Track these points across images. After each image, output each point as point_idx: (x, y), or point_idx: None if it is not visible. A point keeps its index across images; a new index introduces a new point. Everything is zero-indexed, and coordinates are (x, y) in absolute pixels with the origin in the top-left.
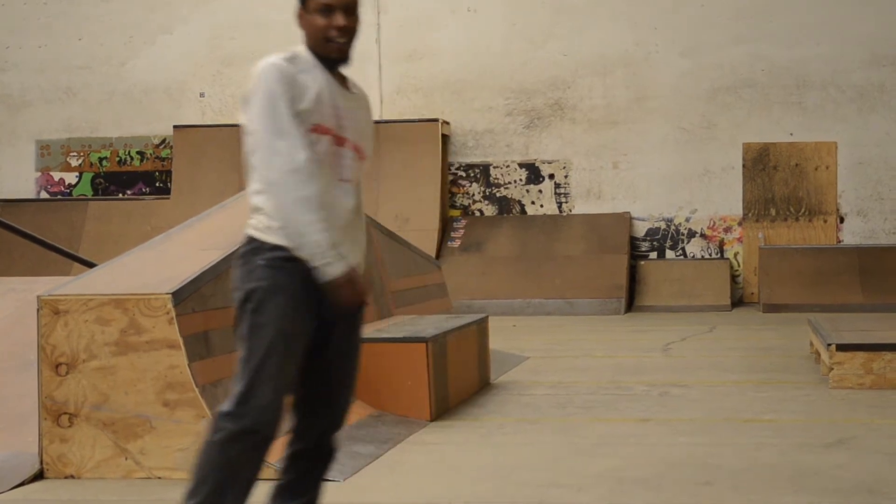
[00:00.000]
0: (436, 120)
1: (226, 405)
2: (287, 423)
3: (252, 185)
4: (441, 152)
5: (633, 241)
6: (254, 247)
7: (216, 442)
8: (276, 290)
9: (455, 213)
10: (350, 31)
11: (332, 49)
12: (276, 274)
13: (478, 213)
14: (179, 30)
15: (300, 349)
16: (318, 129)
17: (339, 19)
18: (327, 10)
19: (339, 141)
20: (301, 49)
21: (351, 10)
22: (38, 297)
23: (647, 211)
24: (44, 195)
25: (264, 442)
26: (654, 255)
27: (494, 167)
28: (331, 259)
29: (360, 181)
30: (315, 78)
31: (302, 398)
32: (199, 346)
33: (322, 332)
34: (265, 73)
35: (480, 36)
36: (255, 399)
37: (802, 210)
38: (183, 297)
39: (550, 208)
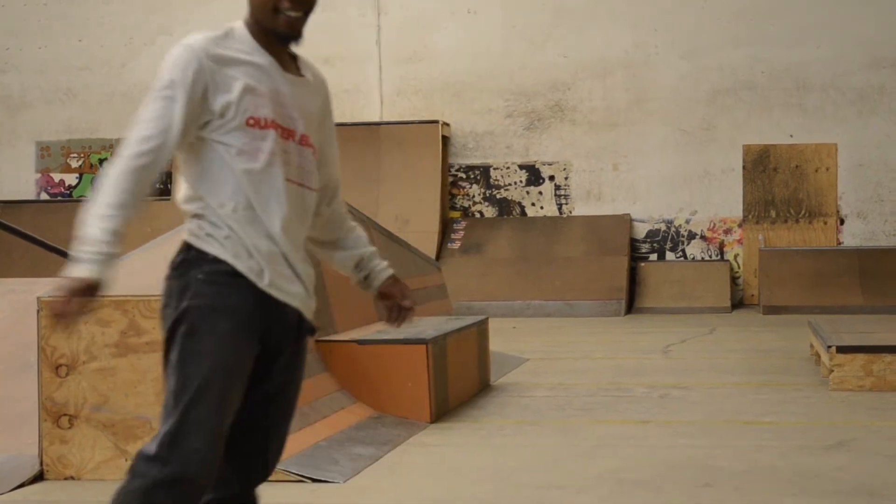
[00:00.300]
0: (436, 121)
1: (150, 446)
2: None
3: (181, 189)
4: (441, 154)
5: (634, 243)
6: (190, 257)
7: (135, 490)
8: (216, 310)
9: (455, 214)
10: (305, 4)
11: (280, 23)
12: (217, 291)
13: (478, 215)
14: (179, 31)
15: (242, 383)
16: (256, 123)
17: None
18: None
19: (287, 134)
20: (237, 25)
21: None
22: (38, 298)
23: (647, 213)
24: (44, 196)
25: (193, 493)
26: (654, 256)
27: (494, 169)
28: (92, 256)
29: (329, 186)
30: (249, 62)
31: (230, 438)
32: None
33: (263, 363)
34: (176, 57)
35: (480, 37)
36: (186, 441)
37: (802, 212)
38: None
39: (550, 210)
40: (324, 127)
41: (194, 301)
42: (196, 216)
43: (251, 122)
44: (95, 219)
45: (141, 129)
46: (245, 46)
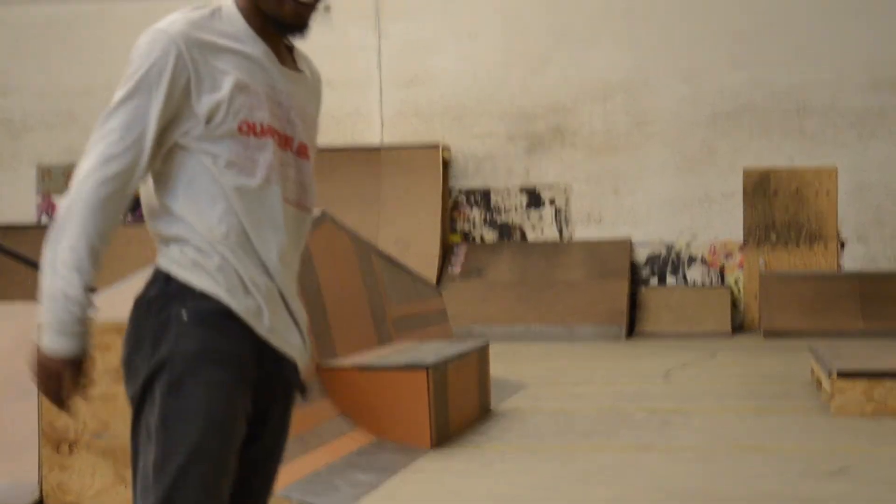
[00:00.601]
0: (436, 145)
1: None
2: None
3: (149, 204)
4: (442, 177)
5: (634, 267)
6: (171, 290)
7: None
8: (206, 358)
9: (456, 238)
10: None
11: (286, 9)
12: (206, 334)
13: (478, 239)
14: None
15: (237, 446)
16: (251, 129)
17: None
18: None
19: (285, 142)
20: (226, 4)
21: None
22: (39, 324)
23: (647, 236)
24: (45, 220)
25: None
26: (654, 280)
27: (495, 192)
28: (74, 326)
29: (312, 204)
30: (240, 52)
31: None
32: None
33: (251, 424)
34: (149, 45)
35: (481, 61)
36: None
37: (803, 235)
38: None
39: (551, 234)
40: (315, 131)
41: (178, 346)
42: (176, 240)
43: (245, 127)
44: (68, 270)
45: (106, 145)
46: (235, 31)
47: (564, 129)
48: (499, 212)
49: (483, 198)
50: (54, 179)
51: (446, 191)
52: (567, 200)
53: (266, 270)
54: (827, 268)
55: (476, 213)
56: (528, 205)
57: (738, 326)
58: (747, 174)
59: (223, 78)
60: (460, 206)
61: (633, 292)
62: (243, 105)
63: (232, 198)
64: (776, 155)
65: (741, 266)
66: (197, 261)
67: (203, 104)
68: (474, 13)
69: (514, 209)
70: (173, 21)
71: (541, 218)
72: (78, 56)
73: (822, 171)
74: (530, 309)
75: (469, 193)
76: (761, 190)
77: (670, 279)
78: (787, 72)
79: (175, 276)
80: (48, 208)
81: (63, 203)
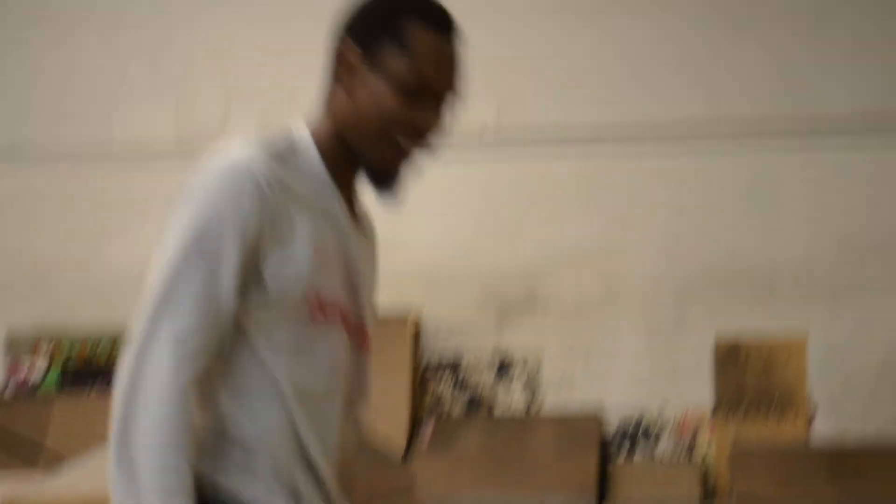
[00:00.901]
0: (405, 315)
1: None
2: None
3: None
4: (411, 346)
5: (604, 438)
6: (208, 499)
7: None
8: None
9: (424, 407)
10: (432, 136)
11: (389, 159)
12: None
13: (448, 407)
14: (155, 216)
15: None
16: (320, 307)
17: (431, 114)
18: (417, 94)
19: (350, 327)
20: (302, 136)
21: (446, 100)
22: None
23: (618, 406)
24: (11, 387)
25: None
26: (624, 451)
27: (465, 361)
28: None
29: (366, 409)
30: (315, 204)
31: None
32: None
33: None
34: (223, 182)
35: (451, 228)
36: None
37: (774, 406)
38: None
39: (520, 403)
40: (374, 299)
41: None
42: (209, 432)
43: (313, 303)
44: (151, 466)
45: (184, 336)
46: (313, 174)
47: (535, 296)
48: (469, 378)
49: (452, 367)
50: (22, 346)
51: (416, 360)
52: (538, 367)
53: (317, 477)
54: (798, 437)
55: (446, 380)
56: (499, 371)
57: (709, 497)
58: (718, 342)
59: (297, 235)
60: (429, 374)
61: (603, 463)
62: (316, 276)
63: (285, 391)
64: (747, 323)
65: (712, 436)
66: (244, 462)
67: (270, 265)
68: (444, 181)
69: (483, 378)
70: (251, 153)
71: (510, 387)
72: (50, 222)
73: (793, 340)
74: (499, 481)
75: (439, 363)
76: (732, 358)
77: (640, 449)
78: (759, 240)
79: (212, 480)
80: (15, 376)
81: (122, 397)
